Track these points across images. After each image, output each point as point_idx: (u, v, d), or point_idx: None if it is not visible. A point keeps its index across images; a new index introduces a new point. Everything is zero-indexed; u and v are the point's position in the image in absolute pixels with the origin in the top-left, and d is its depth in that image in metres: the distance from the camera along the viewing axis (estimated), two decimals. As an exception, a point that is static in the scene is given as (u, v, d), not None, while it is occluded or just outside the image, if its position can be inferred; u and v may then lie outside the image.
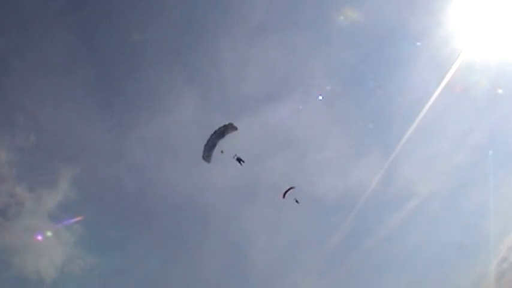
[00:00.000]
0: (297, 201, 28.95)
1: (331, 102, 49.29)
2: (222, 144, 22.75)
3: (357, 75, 49.19)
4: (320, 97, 45.51)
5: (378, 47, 45.72)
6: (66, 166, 43.84)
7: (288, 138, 50.27)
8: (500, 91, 37.87)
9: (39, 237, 40.30)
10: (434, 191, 44.49)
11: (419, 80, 43.01)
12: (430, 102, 37.17)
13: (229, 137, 23.68)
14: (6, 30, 42.66)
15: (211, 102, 49.45)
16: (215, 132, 21.57)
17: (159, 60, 48.81)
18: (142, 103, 48.57)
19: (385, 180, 46.30)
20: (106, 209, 43.99)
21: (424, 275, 42.08)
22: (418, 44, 40.62)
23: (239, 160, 23.75)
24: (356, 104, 50.60)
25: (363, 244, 46.63)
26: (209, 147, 21.92)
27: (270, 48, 46.37)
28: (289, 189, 28.68)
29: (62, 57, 46.66)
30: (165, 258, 45.30)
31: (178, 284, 43.04)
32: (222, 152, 22.80)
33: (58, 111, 45.40)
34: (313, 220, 47.93)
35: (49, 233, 41.79)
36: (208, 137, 21.58)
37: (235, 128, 22.35)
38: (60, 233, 42.25)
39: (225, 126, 21.85)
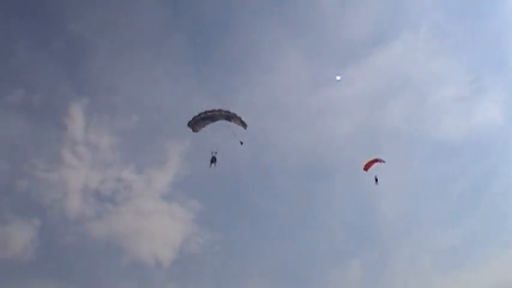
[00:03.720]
0: (376, 180, 25.37)
1: (443, 36, 50.22)
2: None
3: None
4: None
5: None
6: (174, 142, 44.24)
7: (404, 79, 50.59)
8: None
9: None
10: None
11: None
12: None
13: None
14: (91, 14, 45.18)
15: (318, 54, 50.54)
16: (219, 110, 21.42)
17: (257, 18, 49.55)
18: (246, 65, 49.87)
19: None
20: (222, 180, 43.39)
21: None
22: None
23: (214, 159, 22.91)
24: (470, 34, 50.51)
25: (492, 187, 46.13)
26: (205, 117, 21.40)
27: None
28: (374, 161, 24.56)
29: (150, 28, 47.46)
30: (291, 222, 44.77)
31: (308, 246, 42.75)
32: (241, 143, 22.36)
33: (156, 86, 46.99)
34: (438, 166, 47.58)
35: (163, 213, 41.27)
36: (209, 109, 21.44)
37: (244, 125, 21.67)
38: (175, 211, 42.27)
39: (233, 114, 21.50)
